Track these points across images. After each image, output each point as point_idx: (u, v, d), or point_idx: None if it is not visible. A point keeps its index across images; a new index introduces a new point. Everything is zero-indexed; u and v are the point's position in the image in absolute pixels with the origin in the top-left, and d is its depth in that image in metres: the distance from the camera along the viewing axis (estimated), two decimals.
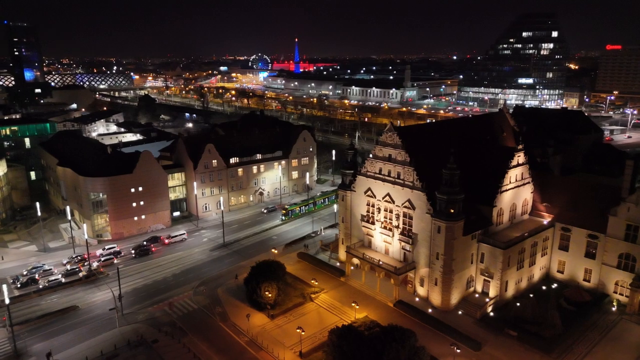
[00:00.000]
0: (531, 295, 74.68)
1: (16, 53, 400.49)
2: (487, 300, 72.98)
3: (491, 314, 71.38)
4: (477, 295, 75.19)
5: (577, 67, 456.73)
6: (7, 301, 66.87)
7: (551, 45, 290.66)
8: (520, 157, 78.84)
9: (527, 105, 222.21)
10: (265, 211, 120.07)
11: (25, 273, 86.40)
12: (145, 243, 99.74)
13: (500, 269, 72.01)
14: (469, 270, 74.42)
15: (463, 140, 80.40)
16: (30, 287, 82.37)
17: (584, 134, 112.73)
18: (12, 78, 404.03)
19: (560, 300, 72.82)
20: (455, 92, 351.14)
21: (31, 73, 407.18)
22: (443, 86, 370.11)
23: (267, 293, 72.30)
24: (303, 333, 63.40)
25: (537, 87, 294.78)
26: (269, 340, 65.95)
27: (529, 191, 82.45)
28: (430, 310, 72.17)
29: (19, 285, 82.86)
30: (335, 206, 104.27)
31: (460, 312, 71.54)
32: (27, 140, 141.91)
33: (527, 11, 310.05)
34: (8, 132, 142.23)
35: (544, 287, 78.30)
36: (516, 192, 79.58)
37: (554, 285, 78.65)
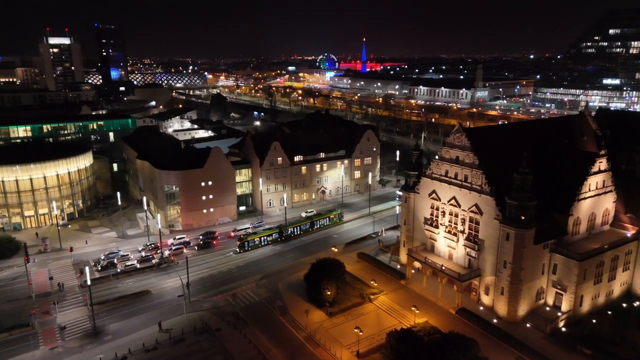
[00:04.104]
0: (609, 313, 69.27)
1: (104, 53, 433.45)
2: (559, 314, 68.61)
3: (563, 329, 67.07)
4: (547, 309, 70.87)
5: None
6: (89, 282, 72.76)
7: None
8: (602, 164, 73.20)
9: (612, 108, 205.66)
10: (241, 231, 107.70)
11: (103, 257, 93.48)
12: (200, 237, 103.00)
13: (574, 282, 67.38)
14: (540, 282, 70.31)
15: (537, 144, 76.16)
16: (109, 271, 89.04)
17: None
18: (100, 77, 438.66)
19: None
20: (530, 93, 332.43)
21: (116, 72, 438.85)
22: (518, 87, 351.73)
23: (326, 291, 72.87)
24: (361, 333, 63.18)
25: (625, 88, 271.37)
26: (326, 338, 66.42)
27: (611, 200, 76.35)
28: (495, 320, 69.10)
29: (99, 268, 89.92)
30: (397, 207, 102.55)
31: (528, 325, 67.87)
32: (111, 135, 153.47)
33: (615, 7, 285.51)
34: (95, 127, 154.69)
35: (624, 305, 72.25)
36: (596, 201, 74.01)
37: (636, 303, 72.28)
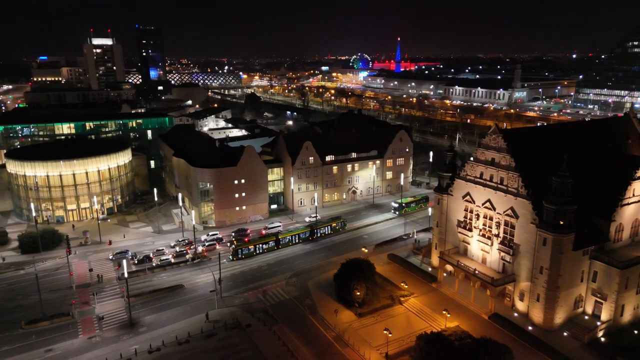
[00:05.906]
0: None
1: (144, 54, 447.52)
2: (598, 323, 65.97)
3: (602, 339, 64.49)
4: (586, 317, 68.30)
5: None
6: (126, 275, 75.24)
7: None
8: None
9: None
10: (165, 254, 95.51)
11: (111, 257, 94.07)
12: (233, 234, 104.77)
13: (615, 291, 64.64)
14: (578, 289, 67.81)
15: (577, 146, 73.47)
16: (145, 264, 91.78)
17: None
18: (140, 76, 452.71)
19: None
20: (572, 93, 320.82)
21: (155, 72, 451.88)
22: (558, 87, 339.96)
23: (355, 291, 72.65)
24: (390, 335, 62.68)
25: None
26: (355, 338, 66.27)
27: None
28: (530, 327, 67.14)
29: (136, 262, 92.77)
30: (430, 210, 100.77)
31: (565, 334, 65.61)
32: (149, 132, 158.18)
33: None
34: (134, 125, 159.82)
35: None
36: None
37: None
